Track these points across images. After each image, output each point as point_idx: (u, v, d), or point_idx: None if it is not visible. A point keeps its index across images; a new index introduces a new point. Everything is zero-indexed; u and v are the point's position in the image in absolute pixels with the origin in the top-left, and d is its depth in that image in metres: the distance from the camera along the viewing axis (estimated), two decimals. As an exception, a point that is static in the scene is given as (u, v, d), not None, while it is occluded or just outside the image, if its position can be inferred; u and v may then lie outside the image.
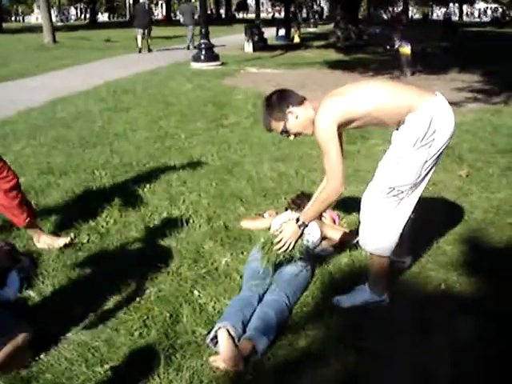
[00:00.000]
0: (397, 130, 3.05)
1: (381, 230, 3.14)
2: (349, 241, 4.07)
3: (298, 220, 3.29)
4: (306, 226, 3.31)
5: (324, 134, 3.02)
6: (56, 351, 2.89)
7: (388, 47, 19.45)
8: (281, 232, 3.34)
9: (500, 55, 15.72)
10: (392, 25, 25.54)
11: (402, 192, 3.04)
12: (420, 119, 2.95)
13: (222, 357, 2.75)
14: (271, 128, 3.26)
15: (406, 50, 12.74)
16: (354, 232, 4.16)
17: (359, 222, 4.14)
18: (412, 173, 3.01)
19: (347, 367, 2.77)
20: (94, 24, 43.69)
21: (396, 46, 18.53)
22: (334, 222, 4.37)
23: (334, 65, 15.21)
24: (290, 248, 3.32)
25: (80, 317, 3.20)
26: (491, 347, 2.90)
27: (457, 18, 55.69)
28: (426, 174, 3.08)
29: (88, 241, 4.16)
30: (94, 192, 5.19)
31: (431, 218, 4.07)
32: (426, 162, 3.02)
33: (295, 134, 3.26)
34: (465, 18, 59.31)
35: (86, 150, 6.66)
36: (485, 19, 55.42)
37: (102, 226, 4.40)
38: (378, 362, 2.81)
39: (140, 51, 19.96)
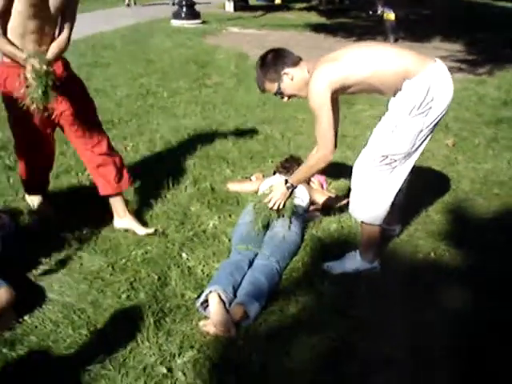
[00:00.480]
0: (394, 96, 2.96)
1: (372, 199, 3.09)
2: (337, 205, 4.04)
3: (286, 182, 3.24)
4: (294, 188, 3.26)
5: (317, 100, 2.92)
6: (40, 313, 2.81)
7: (371, 12, 19.28)
8: (270, 193, 3.30)
9: (482, 24, 15.64)
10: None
11: (395, 161, 2.97)
12: (417, 86, 2.85)
13: (212, 321, 2.69)
14: (265, 88, 3.16)
15: (391, 15, 12.56)
16: (342, 197, 4.15)
17: (348, 188, 4.12)
18: (406, 141, 2.93)
19: (339, 335, 2.73)
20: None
21: (379, 12, 18.38)
22: (322, 186, 4.32)
23: (316, 28, 14.97)
24: (281, 207, 3.28)
25: (64, 277, 3.11)
26: (481, 316, 2.90)
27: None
28: (421, 144, 3.00)
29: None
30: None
31: (419, 186, 4.00)
32: (422, 131, 2.93)
33: (289, 96, 3.16)
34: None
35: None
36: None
37: (85, 185, 4.26)
38: (369, 331, 2.78)
39: (129, 5, 20.11)
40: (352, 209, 3.23)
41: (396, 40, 12.67)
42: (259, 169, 4.73)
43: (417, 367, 2.55)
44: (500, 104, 7.24)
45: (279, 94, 3.12)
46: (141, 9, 19.36)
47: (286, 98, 3.18)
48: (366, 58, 2.96)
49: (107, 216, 3.72)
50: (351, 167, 4.36)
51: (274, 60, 3.08)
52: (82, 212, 3.81)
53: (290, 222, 3.44)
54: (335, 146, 3.03)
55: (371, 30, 14.04)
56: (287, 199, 3.28)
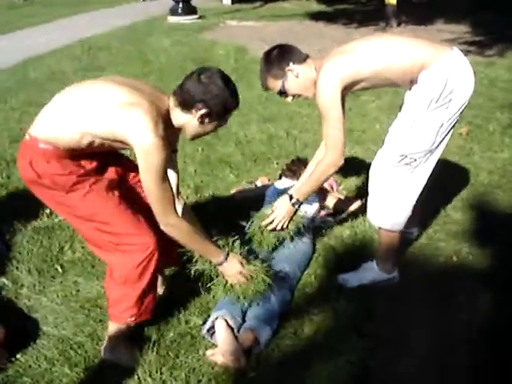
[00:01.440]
0: (409, 89, 2.72)
1: (392, 203, 2.84)
2: (349, 209, 3.80)
3: (291, 197, 2.94)
4: (301, 203, 2.97)
5: (327, 98, 2.68)
6: (34, 349, 2.58)
7: (371, -3, 18.95)
8: (273, 212, 2.99)
9: (485, 4, 15.27)
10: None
11: (415, 160, 2.72)
12: (434, 77, 2.61)
13: (220, 350, 2.47)
14: (268, 86, 2.90)
15: (392, 0, 12.26)
16: (354, 199, 3.92)
17: (360, 188, 3.90)
18: (426, 138, 2.68)
19: (359, 358, 2.50)
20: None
21: (379, -4, 18.04)
22: (332, 188, 4.08)
23: (316, 16, 14.65)
24: (285, 227, 3.00)
25: (59, 307, 2.88)
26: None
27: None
28: (442, 140, 2.74)
29: (66, 217, 3.79)
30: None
31: (435, 182, 3.75)
32: (442, 125, 2.68)
33: (294, 96, 2.90)
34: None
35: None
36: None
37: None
38: (391, 351, 2.56)
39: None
40: (370, 215, 2.98)
41: (399, 24, 12.38)
42: (264, 172, 4.49)
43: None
44: (512, 87, 6.97)
45: (283, 92, 2.88)
46: (138, 7, 19.08)
47: (289, 98, 2.92)
48: (378, 50, 2.73)
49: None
50: (361, 164, 4.18)
51: (280, 55, 2.83)
52: (77, 233, 3.58)
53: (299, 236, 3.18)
54: (344, 148, 2.78)
55: (372, 16, 13.71)
56: (292, 217, 2.99)
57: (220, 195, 4.10)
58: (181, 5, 14.61)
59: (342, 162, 2.78)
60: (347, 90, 2.77)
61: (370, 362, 2.47)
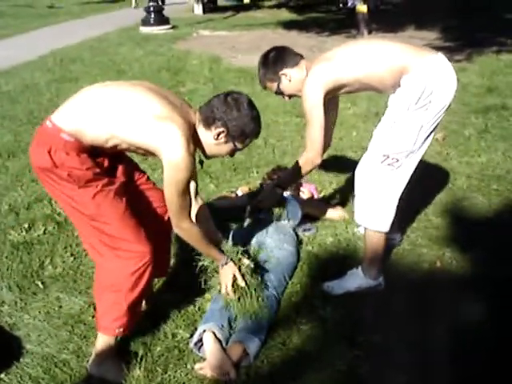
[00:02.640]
0: (393, 93, 2.79)
1: (376, 203, 2.89)
2: (331, 216, 3.81)
3: (275, 187, 3.36)
4: (284, 189, 3.39)
5: (309, 102, 2.90)
6: (18, 368, 2.52)
7: (341, 5, 19.10)
8: (261, 200, 3.41)
9: (453, 10, 15.49)
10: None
11: (398, 160, 2.77)
12: (415, 80, 2.69)
13: (209, 364, 2.43)
14: (266, 87, 3.15)
15: (363, 8, 12.37)
16: (334, 205, 3.94)
17: (340, 195, 3.92)
18: (407, 138, 2.75)
19: (348, 365, 2.49)
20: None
21: (349, 4, 18.20)
22: (313, 196, 4.07)
23: (288, 25, 14.71)
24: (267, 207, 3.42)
25: (42, 324, 2.82)
26: (500, 327, 2.70)
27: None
28: (424, 140, 2.82)
29: (44, 232, 3.73)
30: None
31: (414, 187, 3.78)
32: (423, 126, 2.75)
33: (289, 96, 3.14)
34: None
35: (36, 127, 5.88)
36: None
37: (59, 214, 3.94)
38: (380, 357, 2.55)
39: (135, 7, 21.44)
40: (357, 216, 3.01)
41: (370, 32, 12.49)
42: (245, 181, 4.47)
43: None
44: (484, 91, 7.06)
45: (279, 93, 3.12)
46: (108, 18, 18.95)
47: (286, 98, 3.17)
48: (358, 58, 2.87)
49: (85, 249, 3.45)
50: (340, 171, 4.20)
51: (274, 60, 3.04)
52: (57, 245, 3.52)
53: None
54: (322, 149, 3.05)
55: (344, 24, 13.83)
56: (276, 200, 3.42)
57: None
58: (153, 15, 14.56)
59: (318, 160, 3.06)
60: (330, 95, 2.94)
61: (360, 370, 2.45)
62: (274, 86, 3.06)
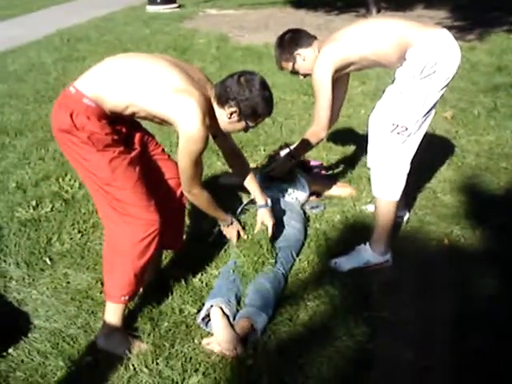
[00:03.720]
0: (400, 66, 2.88)
1: (387, 171, 2.94)
2: (339, 193, 3.80)
3: (289, 154, 3.57)
4: (295, 159, 3.55)
5: (317, 80, 3.08)
6: (26, 343, 2.52)
7: (350, -16, 18.85)
8: (273, 169, 3.60)
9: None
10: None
11: (407, 129, 2.84)
12: (419, 51, 2.79)
13: (216, 339, 2.43)
14: (282, 67, 3.32)
15: (371, -15, 12.22)
16: (342, 183, 3.93)
17: (348, 173, 3.93)
18: (414, 107, 2.83)
19: (356, 341, 2.49)
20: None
21: (358, -17, 17.93)
22: (320, 173, 4.05)
23: (296, 4, 14.54)
24: (282, 174, 3.56)
25: (50, 299, 2.83)
26: (506, 304, 2.69)
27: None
28: (429, 111, 2.89)
29: (52, 209, 3.73)
30: (54, 152, 4.70)
31: (423, 165, 3.75)
32: (428, 95, 2.83)
33: (304, 75, 3.31)
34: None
35: (43, 106, 6.10)
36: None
37: (67, 192, 3.96)
38: (387, 334, 2.54)
39: None
40: (373, 185, 3.04)
41: (379, 11, 12.34)
42: (252, 159, 4.44)
43: (445, 373, 2.31)
44: (494, 70, 6.97)
45: (294, 72, 3.32)
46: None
47: (301, 77, 3.36)
48: (364, 36, 3.01)
49: (92, 226, 3.46)
50: (348, 150, 4.20)
51: (289, 41, 3.23)
52: (65, 223, 3.53)
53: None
54: (328, 124, 3.22)
55: (352, 2, 13.64)
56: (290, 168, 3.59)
57: (208, 183, 4.05)
58: (159, -6, 14.46)
59: (323, 135, 3.26)
60: (339, 73, 3.11)
61: (369, 346, 2.45)
62: (290, 65, 3.25)
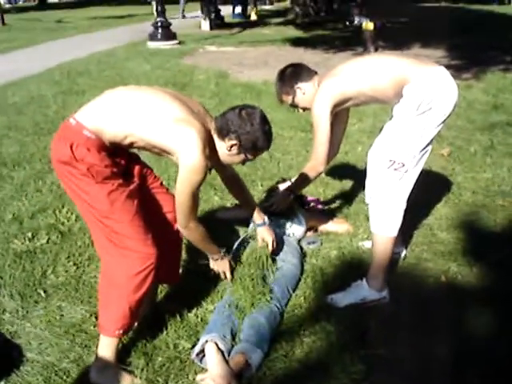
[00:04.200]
0: (397, 103, 2.90)
1: (384, 207, 2.94)
2: (335, 229, 3.80)
3: (286, 191, 3.56)
4: (294, 194, 3.53)
5: (317, 114, 3.09)
6: (18, 376, 2.49)
7: (347, 23, 19.17)
8: (272, 204, 3.54)
9: (459, 29, 15.56)
10: (348, 1, 25.34)
11: (404, 165, 2.85)
12: (415, 88, 2.82)
13: (211, 375, 2.40)
14: (281, 100, 3.34)
15: (369, 25, 12.42)
16: (339, 219, 3.94)
17: (345, 209, 3.93)
18: (410, 143, 2.85)
19: (353, 379, 2.46)
20: (43, 5, 41.69)
21: (356, 22, 18.27)
22: (318, 209, 4.06)
23: (295, 42, 14.78)
24: (282, 210, 3.52)
25: (43, 332, 2.80)
26: (504, 342, 2.66)
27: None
28: (426, 147, 2.90)
29: (48, 241, 3.72)
30: (51, 184, 4.71)
31: (420, 201, 3.77)
32: (424, 131, 2.85)
33: (303, 109, 3.33)
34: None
35: (41, 138, 6.13)
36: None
37: (63, 224, 3.96)
38: (384, 371, 2.51)
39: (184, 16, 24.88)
40: (370, 221, 3.05)
41: (376, 49, 12.51)
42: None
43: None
44: (490, 109, 7.05)
45: (294, 106, 3.33)
46: (116, 33, 19.07)
47: (300, 110, 3.38)
48: (362, 71, 3.05)
49: (88, 259, 3.44)
50: (345, 185, 4.21)
51: (290, 75, 3.27)
52: (60, 255, 3.51)
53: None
54: (326, 159, 3.22)
55: (350, 41, 13.86)
56: (287, 203, 3.54)
57: (205, 217, 4.05)
58: (160, 30, 14.68)
59: (321, 169, 3.27)
60: (338, 107, 3.12)
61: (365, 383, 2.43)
62: (289, 98, 3.26)
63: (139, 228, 2.41)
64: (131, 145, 2.39)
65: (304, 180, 3.40)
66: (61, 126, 2.37)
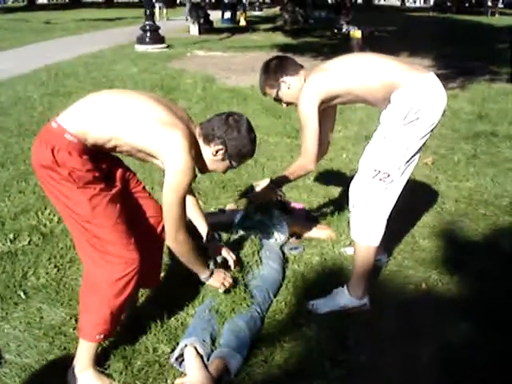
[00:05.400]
0: (384, 109, 2.86)
1: (367, 217, 2.91)
2: (318, 236, 3.81)
3: (271, 181, 3.42)
4: (278, 186, 3.46)
5: (304, 111, 2.99)
6: (-5, 379, 2.47)
7: (336, 31, 19.31)
8: (255, 195, 3.54)
9: (446, 39, 15.71)
10: (337, 9, 25.49)
11: (389, 175, 2.82)
12: (403, 96, 2.77)
13: (189, 379, 2.40)
14: (265, 92, 3.24)
15: (357, 33, 12.53)
16: (322, 225, 3.94)
17: (328, 215, 3.94)
18: (397, 153, 2.81)
19: (332, 385, 2.46)
20: (32, 6, 41.50)
21: (344, 30, 18.40)
22: (301, 215, 4.07)
23: (283, 48, 14.81)
24: (264, 202, 3.57)
25: (22, 334, 2.78)
26: (482, 350, 2.68)
27: (399, 4, 56.02)
28: (412, 157, 2.86)
29: (29, 243, 3.70)
30: (34, 186, 4.68)
31: (403, 209, 3.78)
32: (411, 141, 2.81)
33: (287, 103, 3.23)
34: (408, 4, 59.27)
35: (26, 139, 6.08)
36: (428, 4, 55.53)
37: (45, 226, 3.93)
38: (363, 377, 2.52)
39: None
40: (352, 229, 3.03)
41: (363, 57, 12.58)
42: (233, 199, 4.46)
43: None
44: (475, 118, 7.12)
45: (278, 100, 3.21)
46: (104, 35, 19.03)
47: (284, 105, 3.26)
48: (353, 69, 2.97)
49: (69, 261, 3.42)
50: (329, 192, 4.22)
51: (276, 67, 3.15)
52: (41, 257, 3.49)
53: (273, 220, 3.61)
54: (315, 156, 3.08)
55: (338, 49, 13.87)
56: (272, 195, 3.54)
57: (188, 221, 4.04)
58: (148, 34, 14.67)
59: (311, 167, 3.12)
60: (325, 104, 3.02)
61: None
62: (274, 92, 3.16)
63: (121, 233, 2.39)
64: (115, 148, 2.36)
65: (290, 176, 3.28)
66: (42, 129, 2.34)
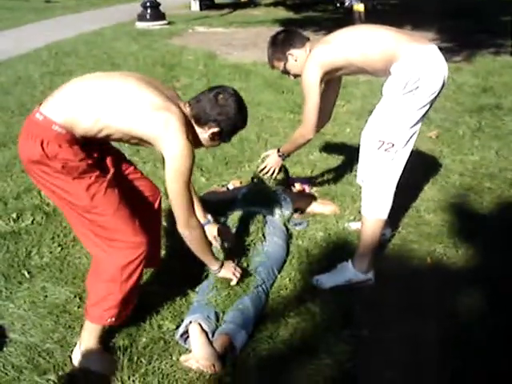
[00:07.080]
0: (385, 81, 2.90)
1: (375, 190, 2.95)
2: (322, 211, 3.79)
3: (278, 150, 3.54)
4: (286, 156, 3.56)
5: (306, 81, 3.07)
6: (1, 357, 2.48)
7: (338, 5, 19.03)
8: (263, 168, 3.59)
9: (451, 11, 15.50)
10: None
11: (393, 145, 2.84)
12: (402, 67, 2.81)
13: (194, 356, 2.40)
14: (273, 66, 3.30)
15: (360, 7, 12.35)
16: (326, 201, 3.93)
17: (332, 191, 3.93)
18: (398, 122, 2.84)
19: (336, 360, 2.46)
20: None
21: (346, 4, 18.14)
22: (304, 190, 4.05)
23: (285, 23, 14.62)
24: (275, 175, 3.61)
25: (27, 313, 2.79)
26: (487, 323, 2.69)
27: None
28: (414, 126, 2.88)
29: (32, 222, 3.70)
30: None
31: (407, 183, 3.75)
32: (411, 110, 2.83)
33: (294, 75, 3.28)
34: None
35: (27, 118, 6.07)
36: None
37: (48, 205, 3.91)
38: (368, 352, 2.53)
39: None
40: (362, 202, 3.05)
41: (366, 31, 12.44)
42: (236, 175, 4.44)
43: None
44: (479, 91, 7.03)
45: (285, 72, 3.28)
46: (105, 13, 18.85)
47: (291, 77, 3.32)
48: (354, 41, 3.02)
49: (73, 240, 3.42)
50: (333, 167, 4.20)
51: (283, 41, 3.21)
52: (45, 236, 3.49)
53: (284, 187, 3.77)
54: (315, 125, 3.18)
55: (340, 23, 13.55)
56: (280, 168, 3.61)
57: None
58: (149, 10, 14.51)
59: (310, 136, 3.23)
60: (328, 75, 3.10)
61: (349, 364, 2.43)
62: (281, 65, 3.22)
63: (125, 218, 2.34)
64: (107, 137, 2.27)
65: (292, 144, 3.43)
66: (26, 121, 2.23)
